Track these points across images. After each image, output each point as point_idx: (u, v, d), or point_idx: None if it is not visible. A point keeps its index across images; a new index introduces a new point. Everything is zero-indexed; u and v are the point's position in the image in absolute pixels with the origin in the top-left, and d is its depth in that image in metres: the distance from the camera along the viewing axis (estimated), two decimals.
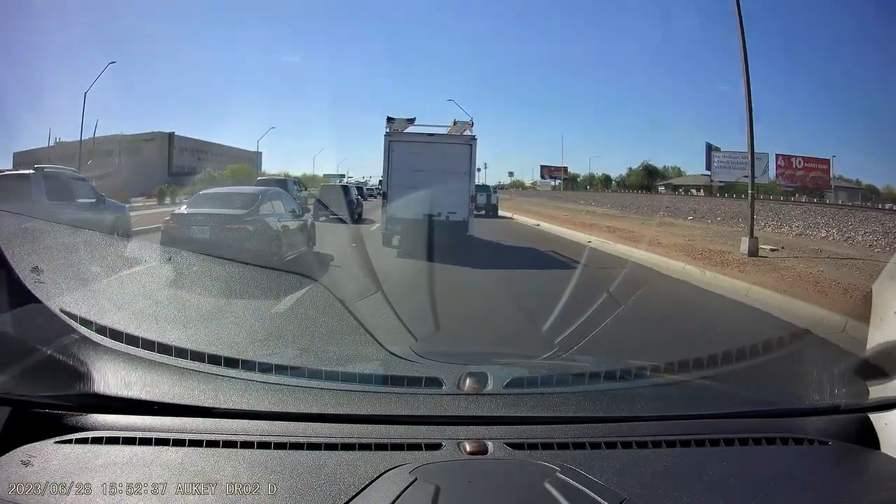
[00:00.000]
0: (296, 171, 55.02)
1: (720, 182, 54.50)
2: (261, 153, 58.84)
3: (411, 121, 14.67)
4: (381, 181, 15.21)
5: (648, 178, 66.53)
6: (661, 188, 63.46)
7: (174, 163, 51.63)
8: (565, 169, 70.48)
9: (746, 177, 54.79)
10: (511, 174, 73.31)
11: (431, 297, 7.06)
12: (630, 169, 70.19)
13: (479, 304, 8.00)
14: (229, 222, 9.44)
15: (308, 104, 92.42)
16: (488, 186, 31.43)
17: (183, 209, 10.27)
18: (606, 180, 71.45)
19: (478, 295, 8.74)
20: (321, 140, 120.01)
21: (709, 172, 56.30)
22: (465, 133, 14.58)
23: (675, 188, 61.60)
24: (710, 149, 55.54)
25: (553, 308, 4.93)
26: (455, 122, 15.12)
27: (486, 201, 27.31)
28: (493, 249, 14.84)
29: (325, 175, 53.27)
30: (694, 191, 57.65)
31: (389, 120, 14.42)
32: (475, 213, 15.33)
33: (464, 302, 7.96)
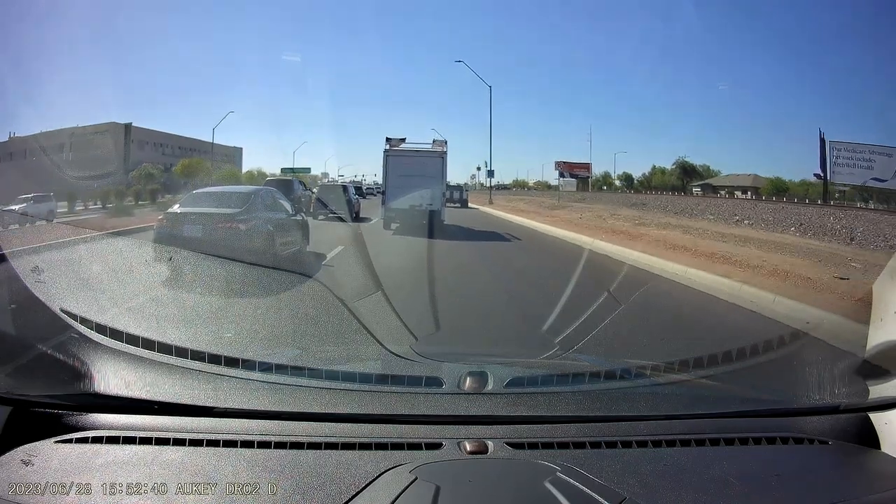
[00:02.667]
0: (271, 168, 50.46)
1: (843, 186, 41.79)
2: (241, 149, 54.49)
3: (402, 140, 19.88)
4: (375, 182, 20.46)
5: (685, 178, 56.58)
6: (697, 189, 53.58)
7: (133, 158, 44.09)
8: (589, 166, 56.50)
9: (877, 179, 40.65)
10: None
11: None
12: (654, 167, 60.00)
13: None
14: (222, 221, 9.44)
15: (293, 96, 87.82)
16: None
17: (176, 208, 10.23)
18: (628, 179, 60.35)
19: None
20: (306, 136, 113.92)
21: (819, 173, 42.24)
22: (440, 149, 19.96)
23: (715, 189, 51.92)
24: (824, 142, 41.15)
25: None
26: (434, 141, 20.76)
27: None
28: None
29: (282, 169, 47.10)
30: (739, 193, 48.24)
31: (388, 140, 19.51)
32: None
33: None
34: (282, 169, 48.88)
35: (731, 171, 55.82)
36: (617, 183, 60.14)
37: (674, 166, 57.88)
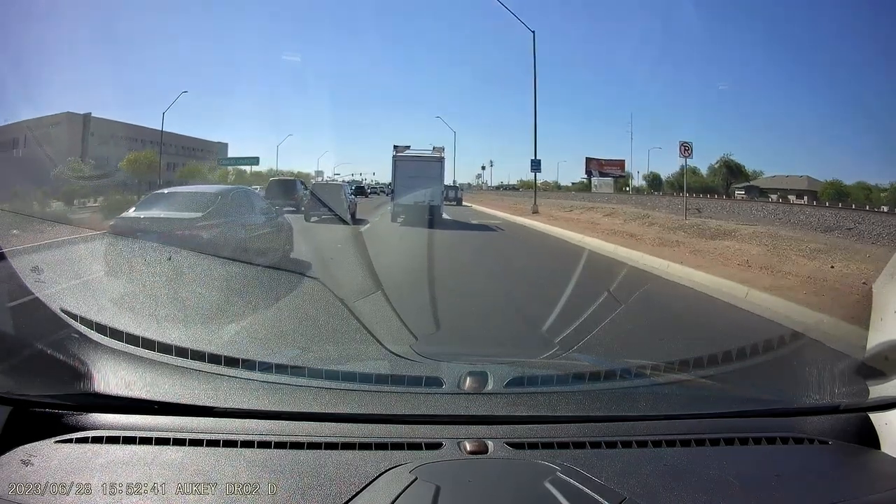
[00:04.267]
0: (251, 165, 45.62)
1: None
2: (226, 144, 50.30)
3: (407, 146, 24.57)
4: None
5: (730, 179, 49.37)
6: (741, 192, 46.98)
7: (94, 154, 38.13)
8: (622, 163, 48.40)
9: None
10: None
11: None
12: (682, 166, 52.72)
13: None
14: (180, 228, 8.21)
15: (291, 94, 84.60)
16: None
17: (131, 212, 8.99)
18: (655, 180, 53.23)
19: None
20: (304, 134, 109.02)
21: None
22: (439, 154, 24.51)
23: (763, 192, 45.17)
24: None
25: None
26: (434, 147, 25.21)
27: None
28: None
29: (219, 160, 43.17)
30: (793, 197, 41.35)
31: (395, 147, 24.25)
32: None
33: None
34: (219, 160, 45.74)
35: (763, 170, 49.54)
36: (642, 183, 52.87)
37: (717, 165, 50.34)
